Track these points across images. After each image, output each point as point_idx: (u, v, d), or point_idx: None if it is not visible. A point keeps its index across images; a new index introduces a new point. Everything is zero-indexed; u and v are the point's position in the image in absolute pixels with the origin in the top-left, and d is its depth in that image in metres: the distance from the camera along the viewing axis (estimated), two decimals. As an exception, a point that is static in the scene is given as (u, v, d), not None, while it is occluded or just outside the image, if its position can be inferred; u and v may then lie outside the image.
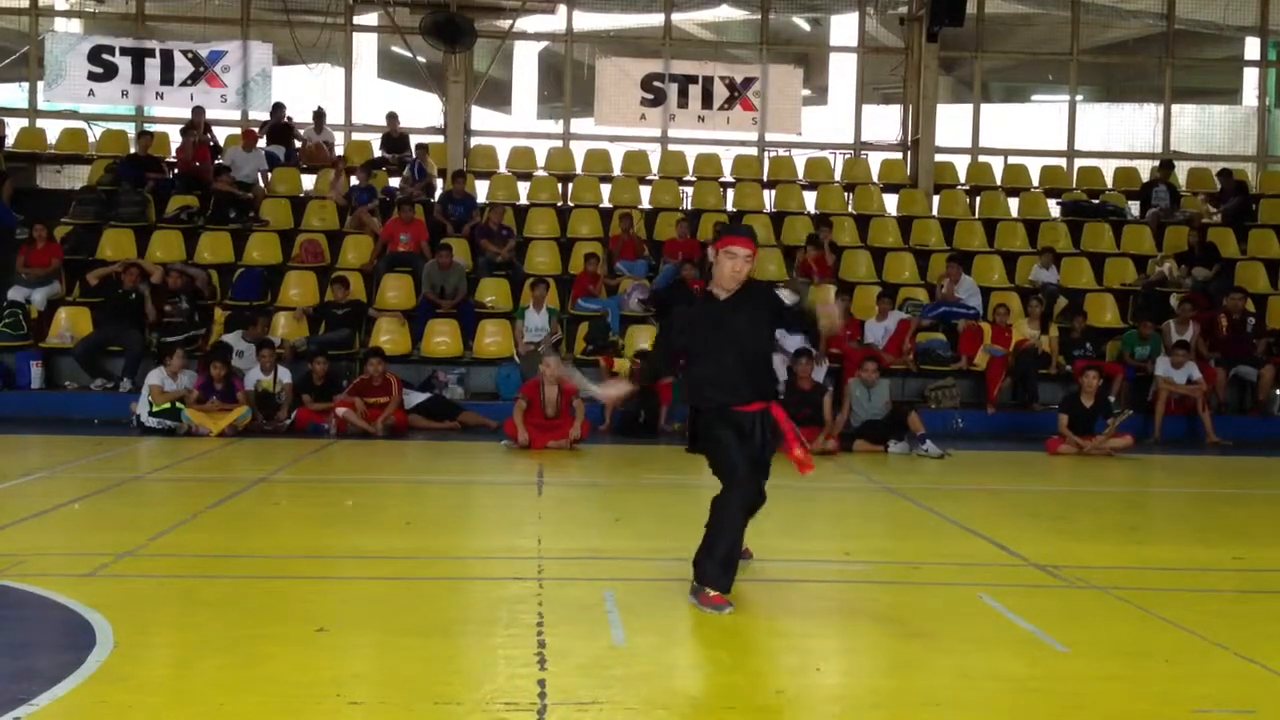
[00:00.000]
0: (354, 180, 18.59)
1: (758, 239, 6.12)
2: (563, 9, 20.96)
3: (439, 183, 18.87)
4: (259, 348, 13.82)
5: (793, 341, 14.51)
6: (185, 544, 7.28)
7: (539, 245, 17.69)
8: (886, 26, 23.57)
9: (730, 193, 19.96)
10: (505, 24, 20.88)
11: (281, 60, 21.36)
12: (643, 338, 15.06)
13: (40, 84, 20.11)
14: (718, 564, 5.70)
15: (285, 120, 19.71)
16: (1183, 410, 14.62)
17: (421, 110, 21.15)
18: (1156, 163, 20.71)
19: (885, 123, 22.00)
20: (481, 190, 19.69)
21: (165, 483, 10.29)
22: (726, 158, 20.72)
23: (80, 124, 20.46)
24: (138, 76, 19.88)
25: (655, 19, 21.70)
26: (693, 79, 20.65)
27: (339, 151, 20.05)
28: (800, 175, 20.49)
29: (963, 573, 6.96)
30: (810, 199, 19.89)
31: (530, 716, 4.23)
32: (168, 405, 12.93)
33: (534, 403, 12.37)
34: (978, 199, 20.38)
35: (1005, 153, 21.39)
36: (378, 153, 19.50)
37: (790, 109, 20.96)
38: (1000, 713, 4.47)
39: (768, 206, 19.67)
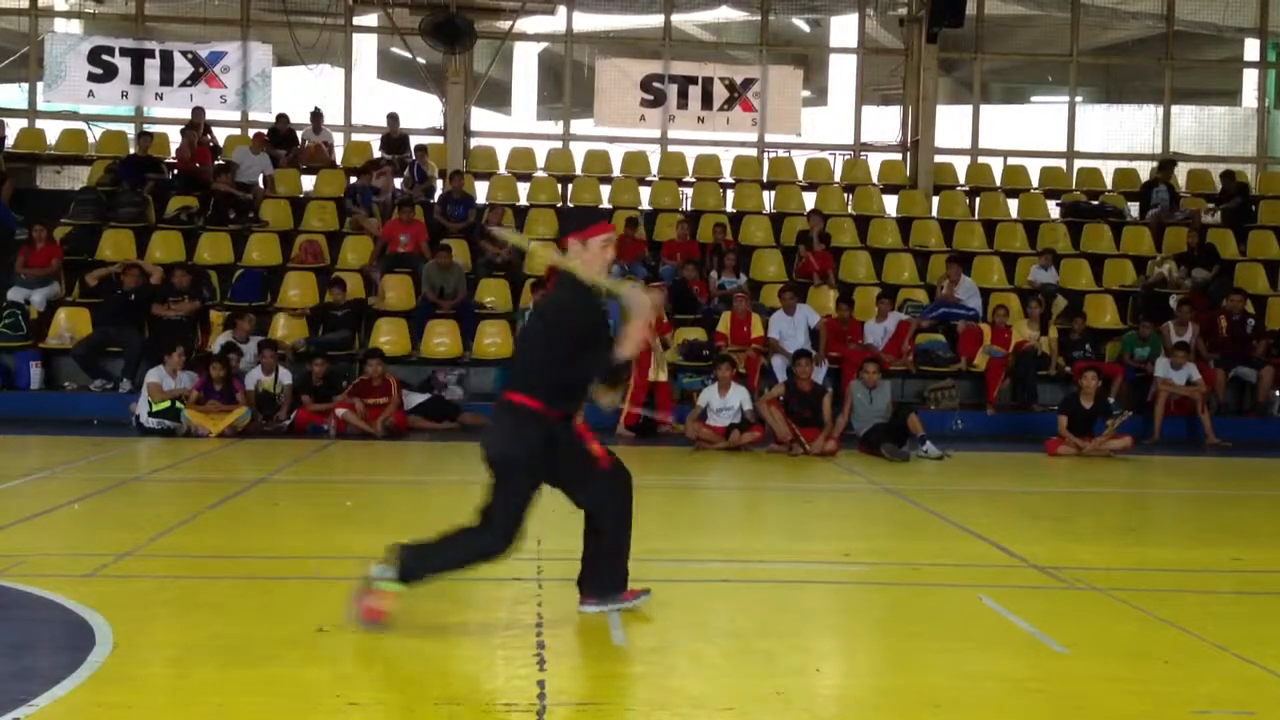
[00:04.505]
0: (352, 179, 18.64)
1: None
2: (562, 10, 20.96)
3: (439, 184, 18.87)
4: (260, 348, 13.82)
5: (793, 342, 14.58)
6: (185, 544, 7.28)
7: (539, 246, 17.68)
8: (886, 28, 23.58)
9: (730, 194, 19.96)
10: (505, 25, 20.87)
11: (281, 61, 21.35)
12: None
13: (40, 84, 20.10)
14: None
15: (289, 129, 19.69)
16: (1182, 411, 14.62)
17: (421, 111, 21.14)
18: (1156, 163, 20.70)
19: (885, 124, 22.01)
20: (481, 191, 19.69)
21: (165, 483, 10.29)
22: (726, 159, 20.72)
23: (80, 124, 20.45)
24: (137, 77, 19.87)
25: (655, 20, 21.70)
26: (692, 80, 20.65)
27: (339, 152, 20.07)
28: (800, 176, 20.48)
29: (962, 574, 6.96)
30: (810, 200, 19.86)
31: (530, 717, 4.23)
32: (166, 404, 12.92)
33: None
34: (977, 200, 20.37)
35: (1005, 154, 21.39)
36: (377, 153, 19.49)
37: (790, 110, 20.97)
38: (1000, 713, 4.47)
39: (767, 207, 19.66)
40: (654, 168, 20.32)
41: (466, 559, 5.46)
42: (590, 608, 5.54)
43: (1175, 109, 22.07)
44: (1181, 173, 20.86)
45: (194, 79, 19.93)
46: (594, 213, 18.77)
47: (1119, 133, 24.20)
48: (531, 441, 5.33)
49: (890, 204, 20.25)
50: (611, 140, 20.84)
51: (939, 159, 20.52)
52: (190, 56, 20.00)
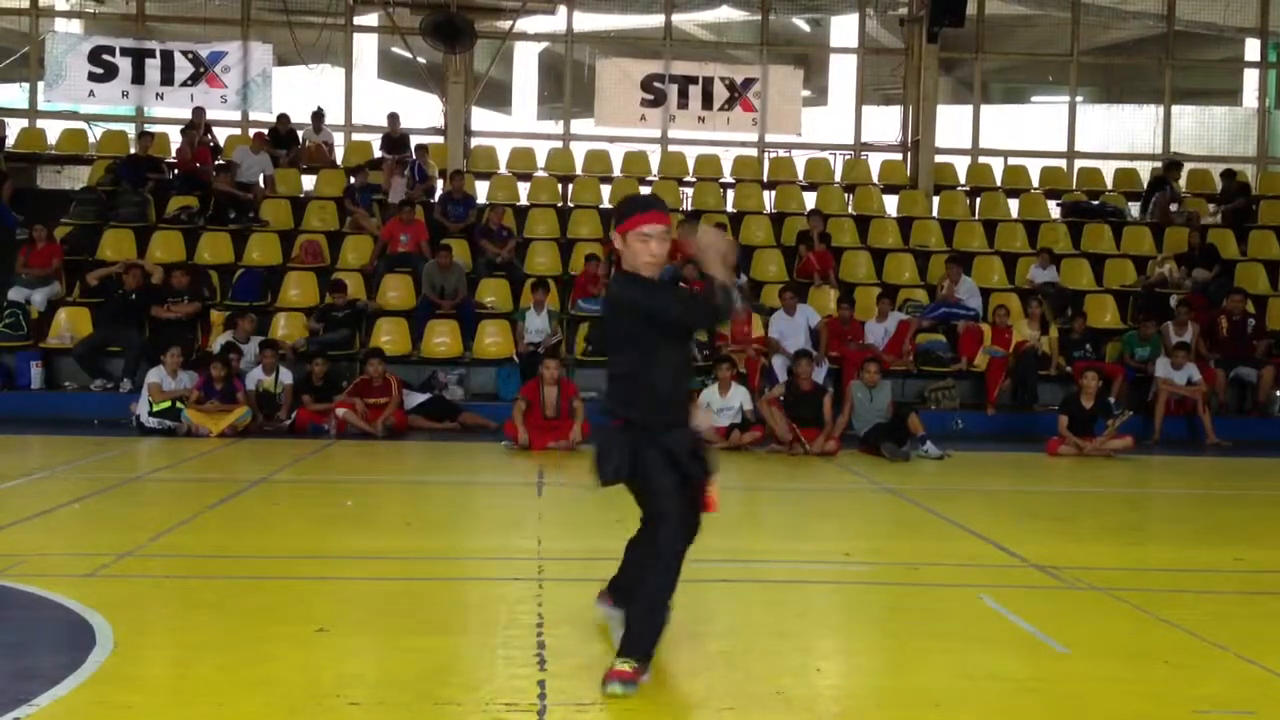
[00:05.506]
0: (352, 180, 18.63)
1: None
2: (563, 9, 20.96)
3: (439, 183, 18.87)
4: (261, 348, 13.82)
5: (793, 342, 14.57)
6: (185, 544, 7.27)
7: (539, 246, 17.69)
8: (886, 27, 23.57)
9: (730, 193, 19.96)
10: (505, 24, 20.88)
11: (281, 61, 21.36)
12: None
13: (40, 84, 20.12)
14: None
15: (289, 129, 19.69)
16: (1182, 411, 14.62)
17: (421, 111, 21.15)
18: (1161, 163, 20.67)
19: (885, 123, 22.01)
20: (482, 191, 19.70)
21: (165, 483, 10.29)
22: (726, 158, 20.72)
23: (80, 124, 20.47)
24: (138, 77, 19.88)
25: (655, 19, 21.71)
26: (693, 79, 20.65)
27: (339, 152, 20.06)
28: (800, 176, 20.48)
29: (963, 573, 6.96)
30: (810, 200, 19.87)
31: (530, 717, 4.23)
32: (167, 404, 12.92)
33: (533, 403, 12.37)
34: (978, 200, 20.38)
35: (1005, 154, 21.39)
36: (378, 153, 19.49)
37: (790, 110, 20.97)
38: (1000, 713, 4.47)
39: (768, 207, 19.67)
40: (654, 168, 20.31)
41: (667, 572, 4.65)
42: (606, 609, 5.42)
43: (1175, 109, 22.07)
44: (1181, 173, 20.86)
45: (194, 79, 19.95)
46: (594, 212, 18.78)
47: (1119, 133, 24.18)
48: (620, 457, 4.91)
49: (890, 204, 20.25)
50: (612, 140, 20.85)
51: (939, 159, 20.52)
52: (190, 56, 20.01)
